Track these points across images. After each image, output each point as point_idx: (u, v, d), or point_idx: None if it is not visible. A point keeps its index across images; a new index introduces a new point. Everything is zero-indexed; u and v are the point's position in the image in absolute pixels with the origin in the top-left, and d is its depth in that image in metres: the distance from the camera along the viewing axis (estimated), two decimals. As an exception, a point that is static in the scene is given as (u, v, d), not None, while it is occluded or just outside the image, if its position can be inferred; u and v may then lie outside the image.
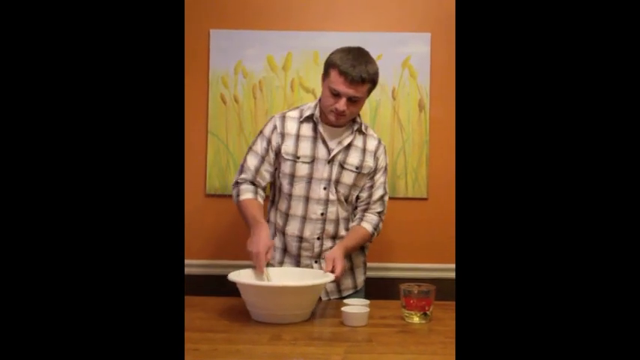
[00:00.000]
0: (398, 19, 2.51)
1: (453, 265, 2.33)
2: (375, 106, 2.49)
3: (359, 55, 1.84)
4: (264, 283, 1.68)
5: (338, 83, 1.81)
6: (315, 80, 2.48)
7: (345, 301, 1.78)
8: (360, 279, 2.06)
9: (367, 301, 1.74)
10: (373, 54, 2.46)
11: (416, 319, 1.65)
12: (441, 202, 2.48)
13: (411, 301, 1.65)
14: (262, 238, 1.76)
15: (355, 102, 1.85)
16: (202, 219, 2.49)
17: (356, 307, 1.66)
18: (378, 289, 2.15)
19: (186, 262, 2.37)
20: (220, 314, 1.69)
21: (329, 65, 1.85)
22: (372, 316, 1.63)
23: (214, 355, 1.33)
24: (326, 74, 1.86)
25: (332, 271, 1.76)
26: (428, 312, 1.65)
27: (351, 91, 1.81)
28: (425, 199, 2.50)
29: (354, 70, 1.79)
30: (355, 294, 2.01)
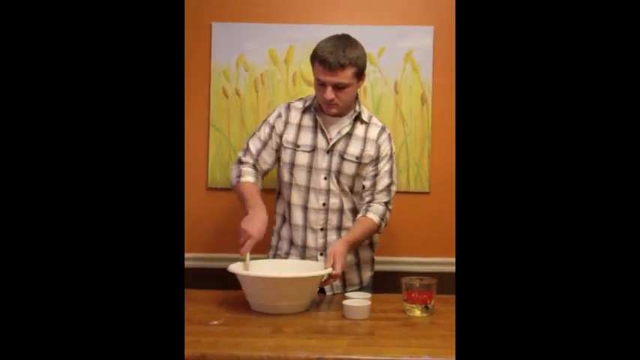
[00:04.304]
0: (400, 12, 2.50)
1: (455, 259, 2.33)
2: (377, 100, 2.49)
3: (338, 41, 1.83)
4: (260, 273, 1.70)
5: (319, 72, 1.82)
6: (317, 74, 2.47)
7: (347, 294, 1.78)
8: (367, 275, 2.04)
9: (369, 295, 1.74)
10: (376, 47, 2.45)
11: (417, 313, 1.65)
12: (443, 196, 2.48)
13: (413, 295, 1.65)
14: (259, 221, 1.75)
15: (343, 89, 1.83)
16: (203, 212, 2.49)
17: (357, 300, 1.66)
18: (379, 283, 2.14)
19: (187, 255, 2.37)
20: (221, 307, 1.70)
21: (312, 56, 1.86)
22: (373, 310, 1.63)
23: (215, 347, 1.34)
24: (312, 66, 1.88)
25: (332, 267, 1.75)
26: (429, 305, 1.65)
27: (333, 79, 1.80)
28: (427, 192, 2.50)
29: (332, 57, 1.78)
30: (360, 290, 1.96)
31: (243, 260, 1.75)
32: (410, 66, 2.48)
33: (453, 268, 2.31)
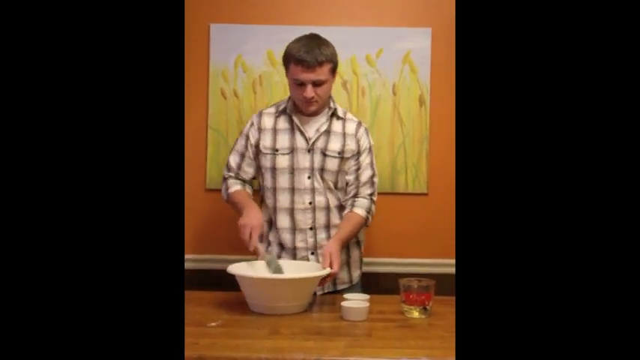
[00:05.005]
0: (398, 13, 2.50)
1: (453, 260, 2.33)
2: (375, 102, 2.49)
3: (310, 40, 1.88)
4: (260, 275, 1.72)
5: (297, 72, 1.85)
6: (315, 75, 2.46)
7: (345, 295, 1.77)
8: (356, 274, 2.05)
9: (367, 296, 1.74)
10: (373, 49, 2.44)
11: (415, 314, 1.65)
12: (441, 197, 2.48)
13: (411, 296, 1.65)
14: (255, 217, 1.82)
15: (320, 85, 1.87)
16: (202, 213, 2.49)
17: (355, 301, 1.66)
18: (377, 284, 2.15)
19: (186, 256, 2.37)
20: (219, 308, 1.69)
21: (285, 59, 1.90)
22: (371, 311, 1.63)
23: (213, 349, 1.33)
24: (286, 68, 1.91)
25: (330, 267, 1.75)
26: (427, 307, 1.65)
27: (312, 76, 1.84)
28: (425, 194, 2.50)
29: (309, 56, 1.83)
30: (350, 289, 1.99)
31: (246, 261, 1.79)
32: (408, 67, 2.49)
33: (451, 270, 2.31)
